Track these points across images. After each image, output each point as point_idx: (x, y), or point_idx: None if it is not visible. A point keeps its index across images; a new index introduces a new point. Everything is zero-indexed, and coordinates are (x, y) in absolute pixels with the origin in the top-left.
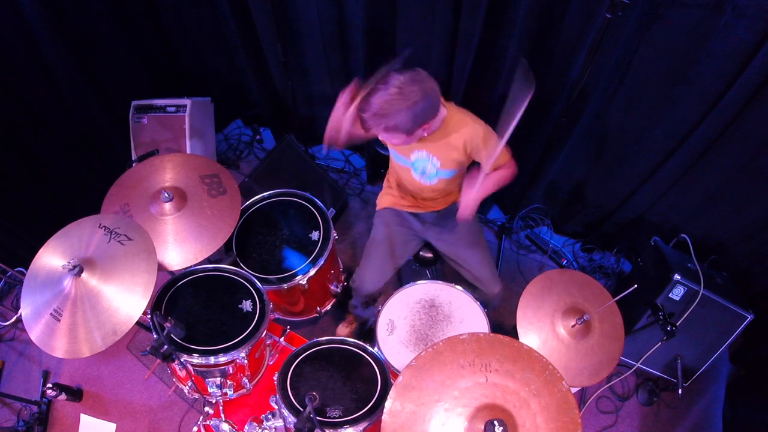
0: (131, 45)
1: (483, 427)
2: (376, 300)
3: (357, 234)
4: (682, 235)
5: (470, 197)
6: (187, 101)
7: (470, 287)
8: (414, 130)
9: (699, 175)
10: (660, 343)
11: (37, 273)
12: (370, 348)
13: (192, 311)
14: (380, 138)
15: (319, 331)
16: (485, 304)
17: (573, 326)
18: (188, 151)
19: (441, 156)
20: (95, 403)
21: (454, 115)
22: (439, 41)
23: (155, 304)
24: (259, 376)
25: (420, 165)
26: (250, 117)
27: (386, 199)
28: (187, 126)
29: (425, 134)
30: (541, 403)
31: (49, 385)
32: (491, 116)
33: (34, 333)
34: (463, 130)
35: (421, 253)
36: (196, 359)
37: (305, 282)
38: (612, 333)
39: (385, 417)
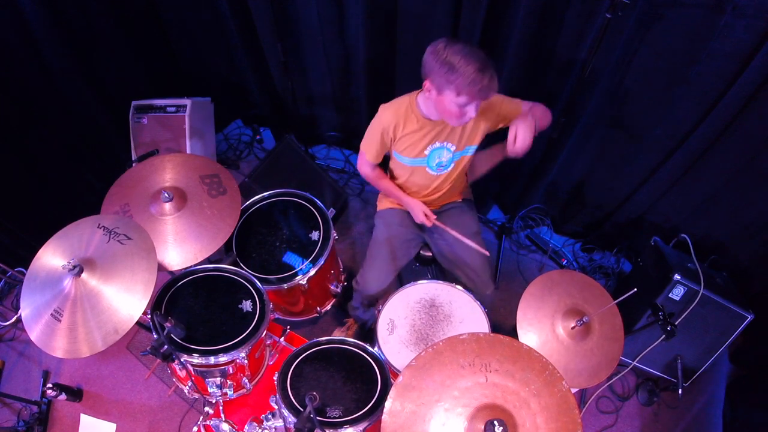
0: (131, 45)
1: (483, 427)
2: (377, 302)
3: (357, 234)
4: (682, 235)
5: (523, 125)
6: (187, 101)
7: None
8: None
9: (699, 175)
10: (657, 342)
11: (37, 273)
12: (370, 348)
13: (192, 311)
14: (473, 113)
15: (319, 331)
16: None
17: (573, 328)
18: (188, 151)
19: (454, 137)
20: (95, 403)
21: None
22: None
23: (155, 304)
24: (259, 376)
25: (435, 156)
26: (250, 117)
27: (388, 200)
28: (187, 126)
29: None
30: (541, 403)
31: (49, 385)
32: None
33: (34, 333)
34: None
35: (421, 252)
36: (196, 359)
37: (305, 282)
38: (612, 334)
39: (385, 417)
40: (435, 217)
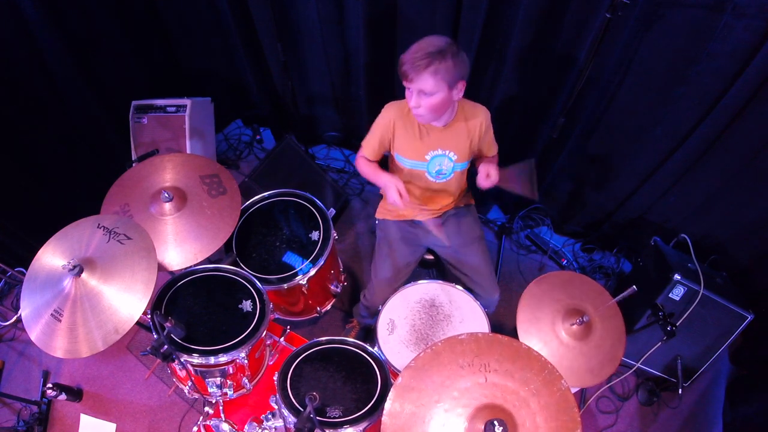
0: (131, 45)
1: (483, 427)
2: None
3: (357, 234)
4: (682, 235)
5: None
6: (187, 101)
7: (470, 289)
8: (456, 82)
9: (699, 175)
10: (660, 343)
11: (37, 273)
12: (370, 348)
13: (192, 311)
14: (413, 101)
15: (319, 331)
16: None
17: (572, 325)
18: (188, 151)
19: (458, 147)
20: (95, 403)
21: (463, 102)
22: None
23: (155, 304)
24: (259, 376)
25: (436, 163)
26: (250, 117)
27: (386, 210)
28: (187, 126)
29: (459, 96)
30: (541, 402)
31: (49, 385)
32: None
33: (34, 333)
34: (478, 113)
35: (424, 256)
36: (196, 359)
37: (305, 282)
38: (608, 315)
39: (384, 419)
40: (408, 197)
